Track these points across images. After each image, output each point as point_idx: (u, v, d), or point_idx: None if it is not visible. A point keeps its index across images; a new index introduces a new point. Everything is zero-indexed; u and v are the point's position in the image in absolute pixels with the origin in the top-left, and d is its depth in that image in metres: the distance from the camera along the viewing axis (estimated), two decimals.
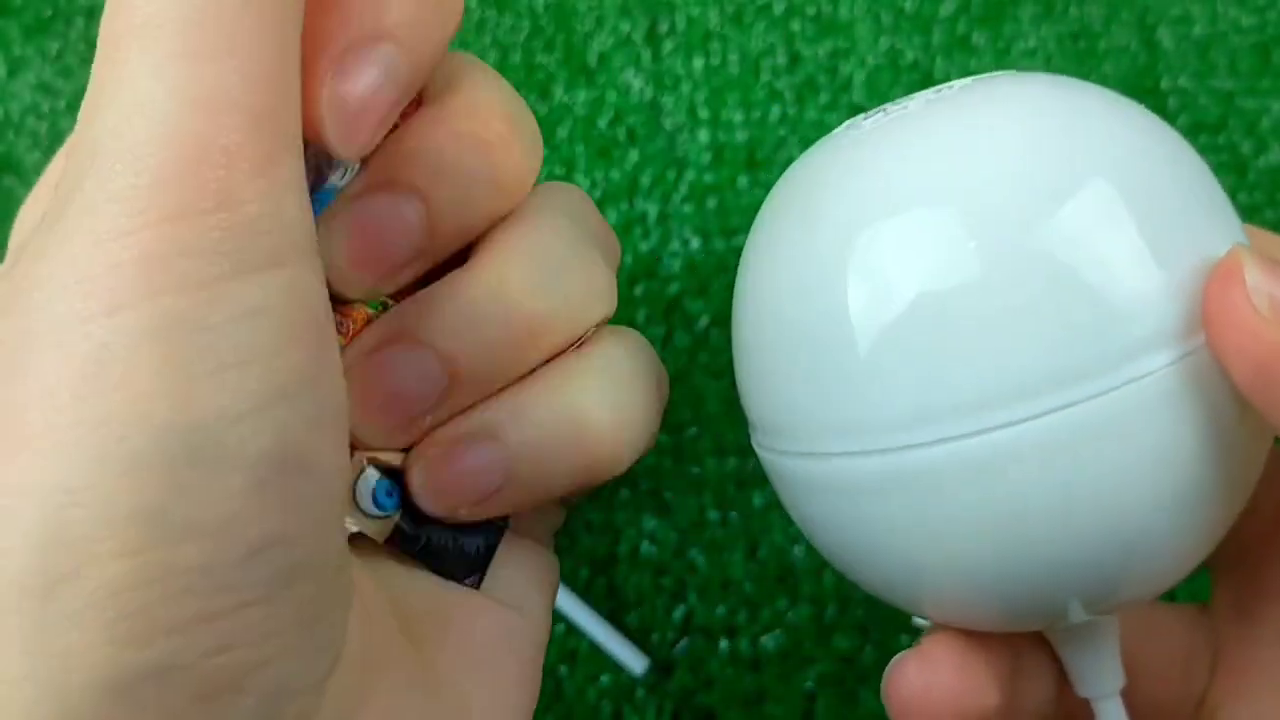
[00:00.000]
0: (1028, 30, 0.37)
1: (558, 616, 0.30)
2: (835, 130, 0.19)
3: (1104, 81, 0.37)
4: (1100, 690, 0.19)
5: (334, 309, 0.17)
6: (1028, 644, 0.20)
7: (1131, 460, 0.15)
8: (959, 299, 0.15)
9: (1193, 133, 0.36)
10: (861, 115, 0.19)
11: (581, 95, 0.36)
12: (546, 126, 0.36)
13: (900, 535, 0.17)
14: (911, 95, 0.18)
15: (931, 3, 0.37)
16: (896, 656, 0.19)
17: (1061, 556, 0.16)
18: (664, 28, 0.37)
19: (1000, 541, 0.16)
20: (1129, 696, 0.20)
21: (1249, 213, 0.35)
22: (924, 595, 0.18)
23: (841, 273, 0.16)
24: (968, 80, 0.18)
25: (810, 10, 0.37)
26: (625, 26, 0.37)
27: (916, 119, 0.17)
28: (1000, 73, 0.19)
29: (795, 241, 0.17)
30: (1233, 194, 0.35)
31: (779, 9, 0.37)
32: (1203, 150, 0.36)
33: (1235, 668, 0.20)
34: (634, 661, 0.29)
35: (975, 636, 0.19)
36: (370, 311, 0.19)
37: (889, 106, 0.18)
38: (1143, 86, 0.36)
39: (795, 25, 0.37)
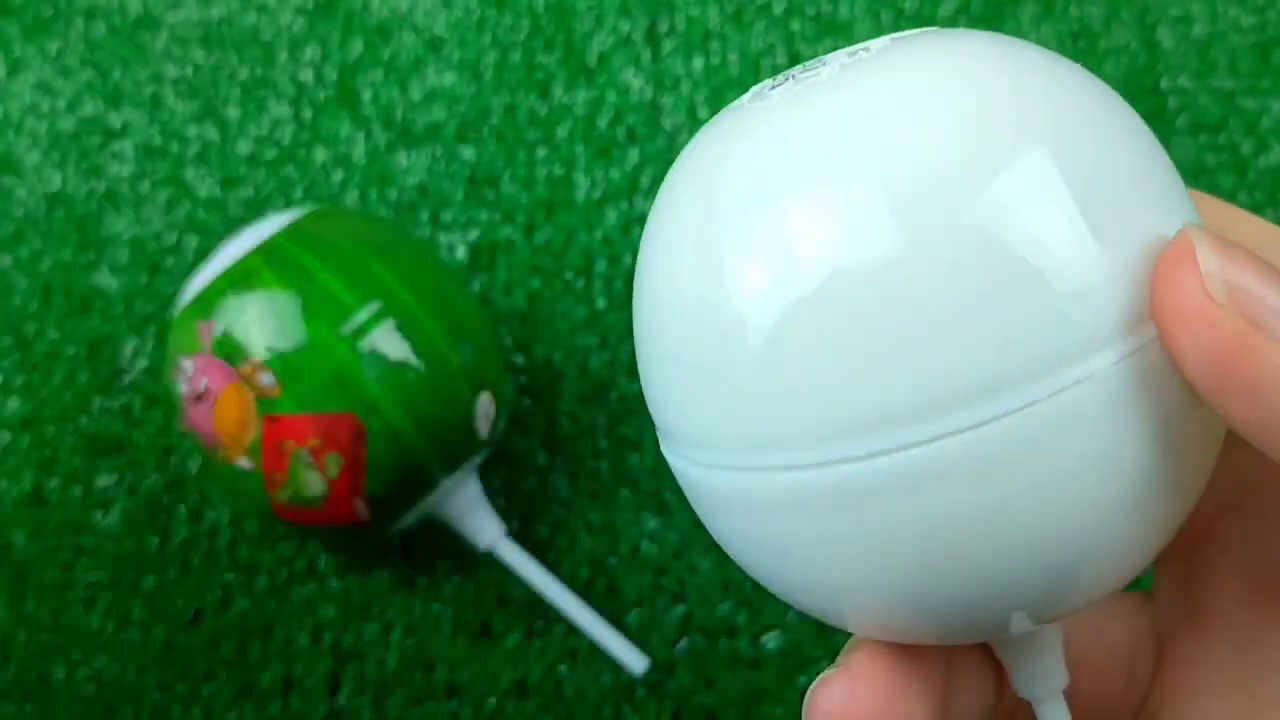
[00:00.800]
0: (1028, 29, 0.37)
1: (557, 616, 0.30)
2: (741, 98, 0.16)
3: (1104, 81, 0.37)
4: (1043, 693, 0.17)
5: None
6: (964, 648, 0.18)
7: (1073, 469, 0.14)
8: (873, 296, 0.13)
9: (1193, 132, 0.36)
10: (770, 81, 0.16)
11: (581, 95, 0.36)
12: (546, 126, 0.36)
13: (819, 553, 0.15)
14: (824, 57, 0.16)
15: (932, 3, 0.37)
16: (821, 675, 0.18)
17: (1000, 573, 0.14)
18: (664, 28, 0.37)
19: (931, 560, 0.14)
20: (1071, 694, 0.19)
21: (1249, 211, 0.35)
22: (850, 615, 0.16)
23: (741, 266, 0.14)
24: (887, 40, 0.16)
25: (810, 10, 0.37)
26: (625, 26, 0.37)
27: (827, 86, 0.15)
28: (927, 30, 0.16)
29: (688, 228, 0.15)
30: (1233, 193, 0.35)
31: (779, 9, 0.37)
32: (1202, 150, 0.37)
33: (1180, 662, 0.19)
34: (634, 661, 0.29)
35: (906, 648, 0.17)
36: None
37: (799, 71, 0.16)
38: (1143, 86, 0.36)
39: (795, 25, 0.37)
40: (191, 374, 0.26)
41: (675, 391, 0.15)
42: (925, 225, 0.13)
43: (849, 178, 0.14)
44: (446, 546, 0.31)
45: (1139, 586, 0.20)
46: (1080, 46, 0.37)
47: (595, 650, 0.30)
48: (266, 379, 0.26)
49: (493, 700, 0.30)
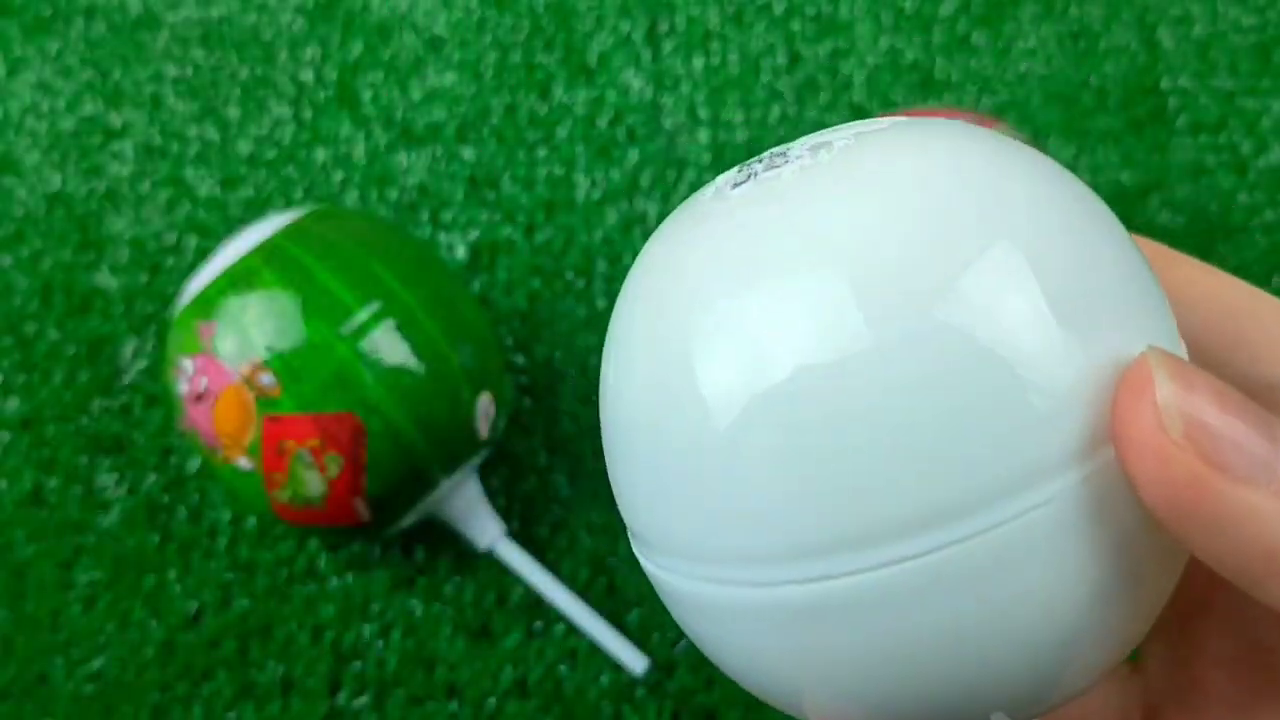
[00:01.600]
0: (1028, 30, 0.37)
1: (557, 616, 0.30)
2: (702, 192, 0.16)
3: (1104, 81, 0.37)
4: None
5: None
6: None
7: (1037, 587, 0.13)
8: (832, 415, 0.13)
9: (1193, 132, 0.36)
10: (733, 173, 0.16)
11: (581, 95, 0.36)
12: (546, 126, 0.36)
13: (784, 665, 0.15)
14: (788, 148, 0.16)
15: (932, 3, 0.37)
16: None
17: (967, 687, 0.14)
18: (664, 28, 0.37)
19: (894, 676, 0.14)
20: None
21: (1249, 212, 0.35)
22: (821, 718, 0.15)
23: (697, 375, 0.14)
24: (851, 134, 0.15)
25: (810, 10, 0.37)
26: (625, 26, 0.37)
27: (789, 189, 0.14)
28: (894, 123, 0.16)
29: (647, 334, 0.15)
30: (1233, 193, 0.35)
31: (779, 9, 0.37)
32: (1203, 150, 0.37)
33: None
34: (634, 661, 0.29)
35: None
36: None
37: (760, 167, 0.15)
38: (1143, 86, 0.36)
39: (795, 25, 0.37)
40: (191, 374, 0.26)
41: (637, 496, 0.15)
42: (887, 338, 0.13)
43: (806, 285, 0.13)
44: (446, 546, 0.31)
45: (1129, 657, 0.20)
46: (1080, 47, 0.37)
47: (595, 650, 0.30)
48: (266, 379, 0.26)
49: (493, 700, 0.30)
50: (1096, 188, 0.35)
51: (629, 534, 0.16)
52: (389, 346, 0.26)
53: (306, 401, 0.26)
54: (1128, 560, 0.14)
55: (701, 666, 0.30)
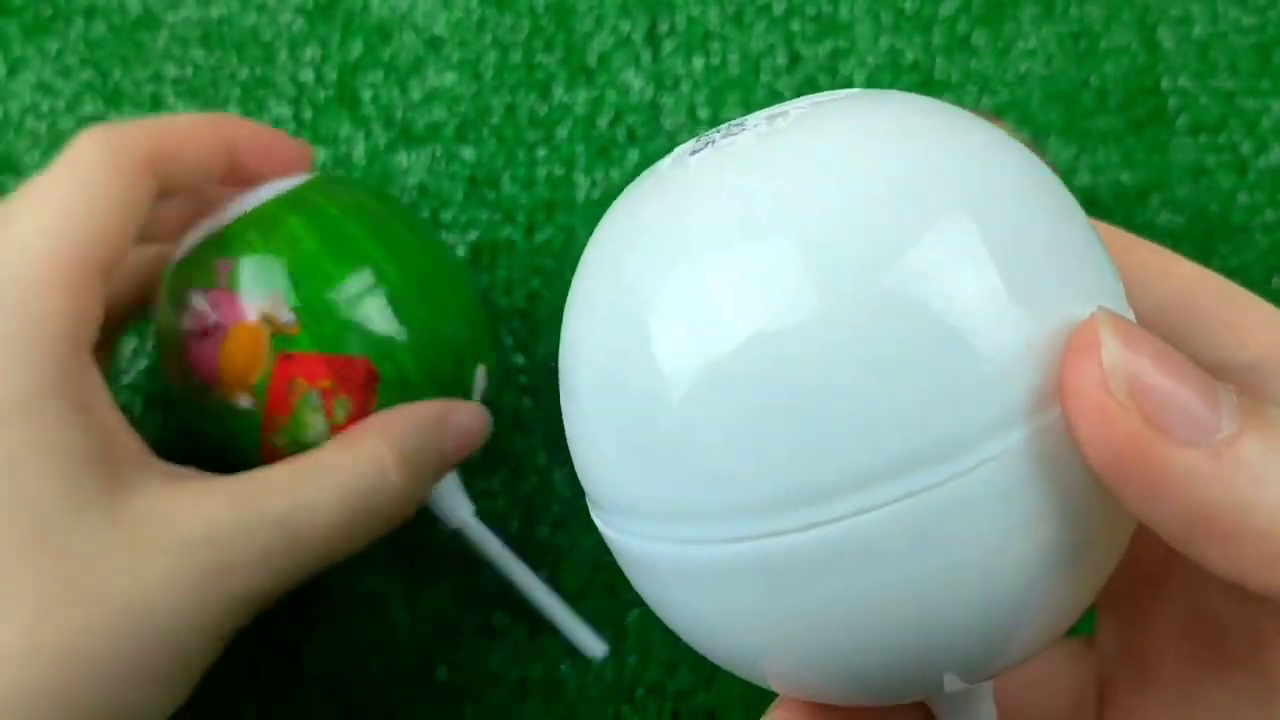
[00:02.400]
0: (1028, 30, 0.37)
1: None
2: (662, 161, 0.16)
3: (1104, 82, 0.37)
4: None
5: None
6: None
7: (988, 542, 0.14)
8: (786, 372, 0.13)
9: (1193, 133, 0.36)
10: (692, 142, 0.16)
11: (581, 95, 0.36)
12: (546, 126, 0.36)
13: (739, 625, 0.15)
14: (745, 119, 0.16)
15: (932, 3, 0.37)
16: None
17: (920, 646, 0.14)
18: (664, 28, 0.37)
19: (848, 633, 0.14)
20: None
21: (1249, 212, 0.35)
22: (774, 681, 0.16)
23: (654, 336, 0.14)
24: (806, 103, 0.16)
25: (810, 10, 0.37)
26: (625, 26, 0.37)
27: (743, 153, 0.15)
28: (849, 93, 0.16)
29: (605, 296, 0.15)
30: (1233, 194, 0.35)
31: (779, 9, 0.37)
32: (1203, 150, 0.37)
33: (1122, 709, 0.19)
34: (593, 646, 0.29)
35: (827, 707, 0.17)
36: None
37: (718, 136, 0.16)
38: (1143, 86, 0.36)
39: (795, 25, 0.37)
40: (201, 309, 0.26)
41: (596, 458, 0.15)
42: (839, 299, 0.13)
43: (761, 248, 0.14)
44: (447, 546, 0.31)
45: (1081, 632, 0.20)
46: (1080, 47, 0.37)
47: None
48: (286, 316, 0.26)
49: (493, 699, 0.30)
50: (1097, 188, 0.35)
51: (587, 499, 0.17)
52: (407, 300, 0.26)
53: (324, 341, 0.26)
54: (1076, 520, 0.14)
55: (702, 665, 0.30)
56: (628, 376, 0.14)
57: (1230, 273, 0.34)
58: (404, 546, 0.31)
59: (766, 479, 0.13)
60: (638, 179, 0.16)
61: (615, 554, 0.16)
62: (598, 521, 0.17)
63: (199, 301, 0.26)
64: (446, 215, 0.35)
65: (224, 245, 0.26)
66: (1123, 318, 0.14)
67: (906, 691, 0.15)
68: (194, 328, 0.26)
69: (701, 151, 0.15)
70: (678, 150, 0.16)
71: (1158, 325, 0.17)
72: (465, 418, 0.27)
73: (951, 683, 0.15)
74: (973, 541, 0.14)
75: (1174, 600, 0.18)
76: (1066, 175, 0.35)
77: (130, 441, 0.25)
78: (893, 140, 0.14)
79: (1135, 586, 0.19)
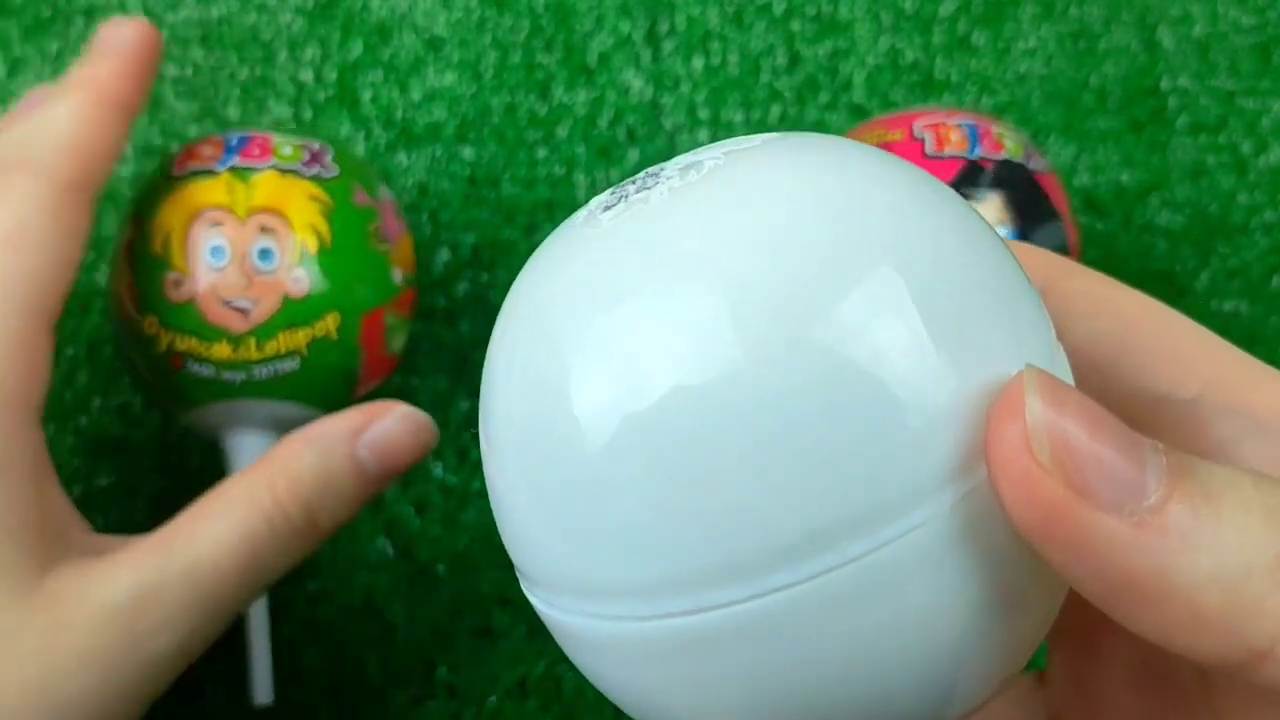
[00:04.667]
0: (1028, 30, 0.37)
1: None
2: (576, 215, 0.16)
3: (1104, 82, 0.37)
4: None
5: None
6: None
7: (919, 609, 0.13)
8: (702, 446, 0.13)
9: (1193, 133, 0.36)
10: (607, 194, 0.15)
11: (581, 95, 0.36)
12: (546, 126, 0.36)
13: (672, 697, 0.14)
14: (660, 168, 0.15)
15: (932, 3, 0.37)
16: None
17: (865, 706, 0.14)
18: (664, 28, 0.37)
19: (785, 702, 0.14)
20: None
21: (1249, 212, 0.35)
22: None
23: (575, 405, 0.13)
24: (720, 153, 0.15)
25: (810, 10, 0.37)
26: (625, 26, 0.37)
27: (655, 210, 0.14)
28: (761, 139, 0.15)
29: (520, 360, 0.15)
30: (1233, 194, 0.35)
31: (779, 9, 0.37)
32: (1203, 150, 0.37)
33: None
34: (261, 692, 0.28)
35: None
36: None
37: (632, 190, 0.15)
38: (1143, 86, 0.36)
39: (795, 25, 0.37)
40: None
41: (519, 530, 0.15)
42: (756, 364, 0.13)
43: (670, 312, 0.13)
44: (446, 546, 0.31)
45: (1034, 667, 0.20)
46: (1080, 47, 0.37)
47: None
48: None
49: (493, 700, 0.30)
50: (1096, 188, 0.35)
51: (516, 570, 0.16)
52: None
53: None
54: (1011, 579, 0.14)
55: None
56: (544, 442, 0.14)
57: (1230, 272, 0.34)
58: (404, 546, 0.31)
59: (687, 554, 0.13)
60: (551, 235, 0.16)
61: (546, 624, 0.16)
62: (526, 593, 0.16)
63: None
64: (446, 215, 0.35)
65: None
66: (1050, 376, 0.13)
67: None
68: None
69: (615, 207, 0.15)
70: (592, 203, 0.16)
71: (1096, 357, 0.17)
72: (389, 426, 0.24)
73: None
74: (906, 607, 0.13)
75: (1125, 636, 0.18)
76: (1066, 175, 0.35)
77: (63, 512, 0.24)
78: (809, 190, 0.14)
79: (1086, 622, 0.18)
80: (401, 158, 0.35)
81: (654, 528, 0.13)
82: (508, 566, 0.16)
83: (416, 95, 0.36)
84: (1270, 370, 0.17)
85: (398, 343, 0.29)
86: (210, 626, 0.23)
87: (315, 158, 0.28)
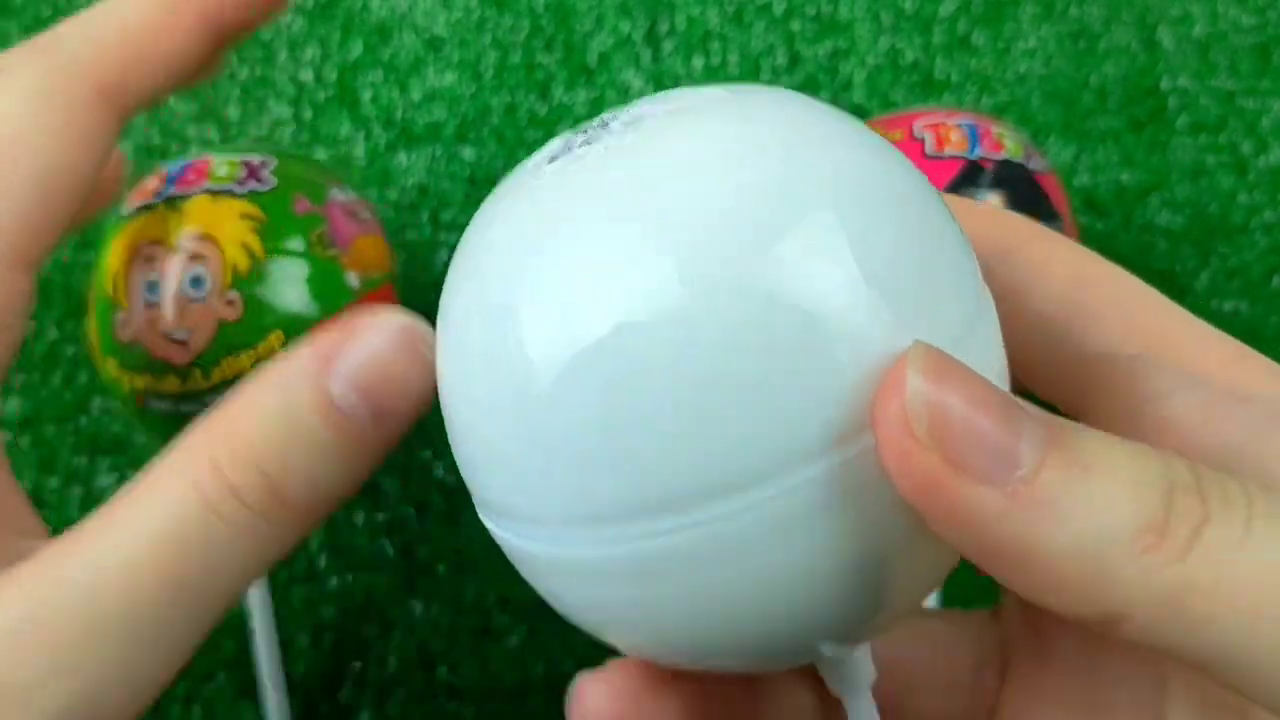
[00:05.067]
0: (1027, 30, 0.37)
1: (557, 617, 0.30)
2: (526, 164, 0.16)
3: (1104, 82, 0.37)
4: (852, 688, 0.17)
5: None
6: None
7: (836, 540, 0.14)
8: (629, 389, 0.13)
9: (1193, 132, 0.36)
10: (557, 141, 0.16)
11: (581, 95, 0.36)
12: (546, 126, 0.36)
13: (623, 612, 0.15)
14: (615, 114, 0.16)
15: (931, 3, 0.37)
16: (580, 675, 0.17)
17: (786, 626, 0.15)
18: (664, 28, 0.37)
19: (717, 625, 0.15)
20: (916, 711, 0.19)
21: (1249, 212, 0.35)
22: (674, 661, 0.17)
23: (525, 342, 0.14)
24: (669, 102, 0.15)
25: (810, 10, 0.37)
26: (625, 26, 0.37)
27: (607, 157, 0.15)
28: (714, 92, 0.16)
29: (473, 300, 0.15)
30: (1233, 194, 0.35)
31: (779, 9, 0.37)
32: (1203, 150, 0.37)
33: (1023, 680, 0.19)
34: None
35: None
36: None
37: (578, 138, 0.16)
38: (1143, 86, 0.36)
39: (795, 25, 0.37)
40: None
41: (475, 460, 0.16)
42: (688, 305, 0.13)
43: (608, 255, 0.14)
44: (446, 547, 0.31)
45: (989, 603, 0.20)
46: (1080, 47, 0.37)
47: (597, 648, 0.30)
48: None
49: (494, 700, 0.30)
50: (1096, 188, 0.35)
51: (473, 499, 0.17)
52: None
53: None
54: (910, 525, 0.14)
55: None
56: (497, 378, 0.15)
57: (1230, 272, 0.34)
58: (404, 546, 0.31)
59: (630, 485, 0.14)
60: (505, 179, 0.16)
61: (500, 545, 0.17)
62: (482, 519, 0.17)
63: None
64: (446, 215, 0.35)
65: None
66: (935, 353, 0.13)
67: (787, 661, 0.17)
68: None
69: (560, 158, 0.15)
70: (537, 156, 0.16)
71: (1054, 318, 0.17)
72: (373, 345, 0.17)
73: (828, 649, 0.16)
74: (822, 537, 0.14)
75: None
76: (1066, 175, 0.35)
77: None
78: (752, 140, 0.15)
79: None
80: (401, 158, 0.35)
81: (596, 460, 0.14)
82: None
83: (416, 95, 0.36)
84: (1214, 331, 0.17)
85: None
86: (140, 657, 0.17)
87: (252, 173, 0.27)
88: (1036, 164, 0.29)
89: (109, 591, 0.17)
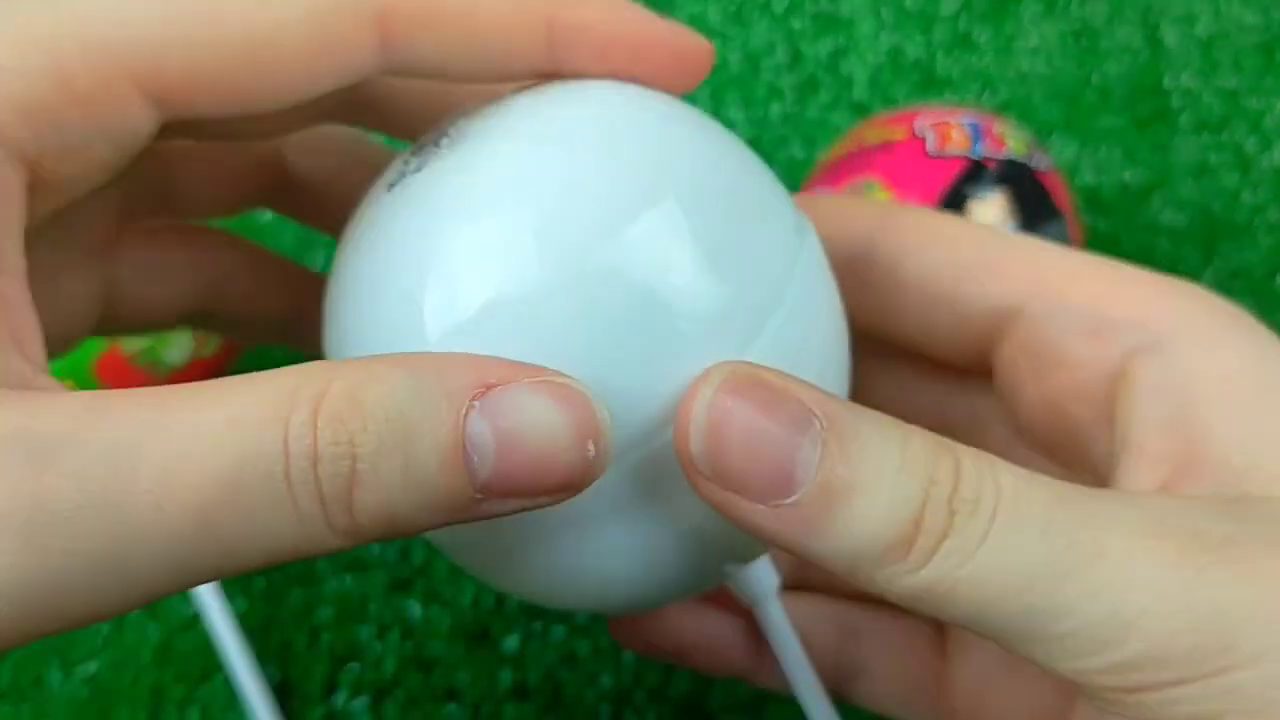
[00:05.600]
0: (1029, 28, 0.37)
1: (557, 618, 0.30)
2: (395, 163, 0.18)
3: (1106, 80, 0.37)
4: (759, 595, 0.19)
5: None
6: None
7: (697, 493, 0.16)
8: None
9: (1196, 131, 0.36)
10: (410, 154, 0.17)
11: None
12: None
13: (531, 560, 0.17)
14: (451, 126, 0.17)
15: (933, 1, 0.37)
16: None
17: (687, 557, 0.17)
18: None
19: (633, 567, 0.17)
20: (878, 681, 0.22)
21: (1252, 211, 0.35)
22: (606, 609, 0.20)
23: (405, 321, 0.16)
24: (518, 97, 0.17)
25: (811, 8, 0.37)
26: None
27: (442, 175, 0.16)
28: (552, 86, 0.17)
29: (358, 286, 0.17)
30: (1236, 192, 0.35)
31: (780, 7, 0.37)
32: (1206, 149, 0.36)
33: (963, 642, 0.21)
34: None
35: None
36: None
37: (429, 151, 0.17)
38: (1146, 85, 0.36)
39: (796, 23, 0.37)
40: None
41: None
42: (545, 283, 0.15)
43: (479, 239, 0.15)
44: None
45: None
46: (1083, 45, 0.37)
47: (595, 652, 0.30)
48: None
49: (492, 703, 0.30)
50: (1099, 186, 0.35)
51: None
52: None
53: None
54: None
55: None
56: (388, 337, 0.16)
57: (1233, 272, 0.34)
58: (401, 548, 0.31)
59: None
60: (376, 184, 0.18)
61: None
62: None
63: None
64: None
65: None
66: (740, 370, 0.15)
67: (701, 586, 0.19)
68: None
69: (419, 156, 0.17)
70: (401, 161, 0.17)
71: (936, 287, 0.19)
72: (523, 399, 0.14)
73: (730, 569, 0.18)
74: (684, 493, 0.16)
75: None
76: (1069, 174, 0.35)
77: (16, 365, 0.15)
78: (601, 131, 0.16)
79: None
80: None
81: None
82: None
83: None
84: (1087, 259, 0.18)
85: (175, 354, 0.23)
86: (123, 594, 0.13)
87: None
88: (1040, 162, 0.28)
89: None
